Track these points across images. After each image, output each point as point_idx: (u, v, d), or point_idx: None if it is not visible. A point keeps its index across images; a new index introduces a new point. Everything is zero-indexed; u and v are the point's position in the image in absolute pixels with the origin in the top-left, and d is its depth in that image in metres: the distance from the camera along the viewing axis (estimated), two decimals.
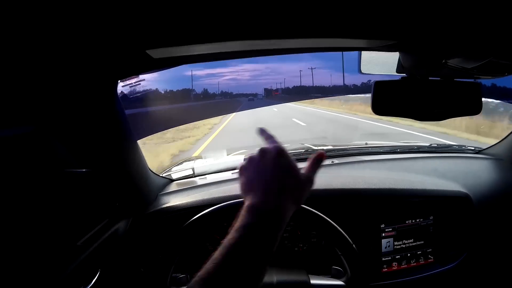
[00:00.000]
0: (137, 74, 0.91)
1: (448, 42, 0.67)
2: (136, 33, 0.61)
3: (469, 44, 0.65)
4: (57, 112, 0.78)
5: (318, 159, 0.74)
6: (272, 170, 0.68)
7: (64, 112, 0.79)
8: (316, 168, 0.73)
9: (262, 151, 0.71)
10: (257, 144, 0.81)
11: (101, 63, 0.75)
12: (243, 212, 0.62)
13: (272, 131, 0.77)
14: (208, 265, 0.55)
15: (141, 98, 1.16)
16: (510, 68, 0.77)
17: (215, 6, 0.51)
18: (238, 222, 0.61)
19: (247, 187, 0.69)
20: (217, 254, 0.56)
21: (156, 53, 0.71)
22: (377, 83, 0.81)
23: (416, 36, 0.68)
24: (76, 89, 0.78)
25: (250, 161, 0.72)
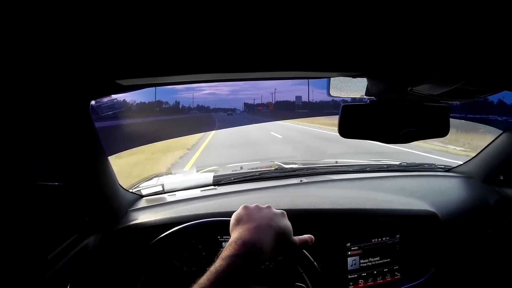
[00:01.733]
0: (108, 95, 0.93)
1: (413, 72, 0.68)
2: (105, 65, 0.65)
3: (434, 73, 0.66)
4: (32, 127, 0.79)
5: (309, 242, 0.86)
6: (269, 219, 0.79)
7: (39, 127, 0.81)
8: (305, 243, 0.84)
9: (269, 206, 0.85)
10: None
11: (75, 85, 0.78)
12: (231, 242, 0.70)
13: None
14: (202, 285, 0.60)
15: (112, 114, 1.18)
16: (478, 92, 0.78)
17: (182, 41, 0.54)
18: (225, 252, 0.68)
19: (243, 218, 0.79)
20: (204, 280, 0.62)
21: (126, 82, 0.75)
22: (345, 106, 0.82)
23: (381, 67, 0.71)
24: (51, 106, 0.80)
25: (256, 206, 0.84)
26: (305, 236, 0.84)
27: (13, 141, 0.81)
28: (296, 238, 0.82)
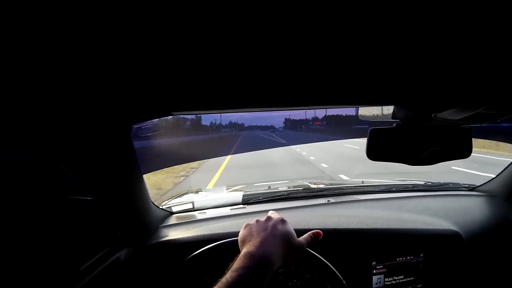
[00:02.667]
0: (152, 119, 0.99)
1: (437, 100, 0.72)
2: (164, 100, 0.73)
3: (457, 100, 0.69)
4: (75, 146, 0.85)
5: (316, 236, 0.91)
6: (271, 229, 0.84)
7: (79, 146, 0.86)
8: (310, 240, 0.90)
9: (268, 217, 0.89)
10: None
11: (124, 111, 0.85)
12: (240, 257, 0.75)
13: None
14: None
15: (151, 135, 1.24)
16: (499, 115, 0.79)
17: (233, 83, 0.61)
18: (235, 264, 0.73)
19: (247, 238, 0.84)
20: None
21: (177, 113, 0.84)
22: (372, 130, 0.86)
23: (408, 97, 0.75)
24: (95, 128, 0.86)
25: (256, 221, 0.89)
26: (308, 234, 0.90)
27: (50, 154, 0.86)
28: (301, 238, 0.87)
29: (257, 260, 0.74)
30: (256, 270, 0.72)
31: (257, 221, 0.89)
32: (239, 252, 0.85)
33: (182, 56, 0.49)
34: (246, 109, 0.84)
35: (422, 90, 0.70)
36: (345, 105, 0.84)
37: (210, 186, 6.48)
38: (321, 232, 0.89)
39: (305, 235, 0.88)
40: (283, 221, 0.88)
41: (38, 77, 0.55)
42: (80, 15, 0.36)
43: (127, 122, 0.93)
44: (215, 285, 0.69)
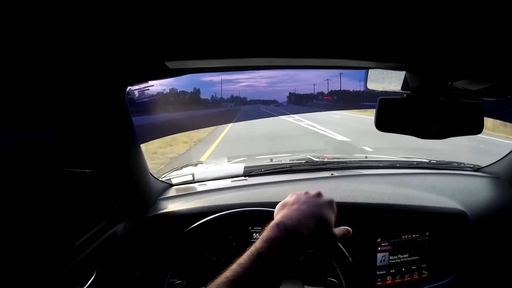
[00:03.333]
0: (149, 80, 0.92)
1: (455, 65, 0.68)
2: (156, 45, 0.64)
3: (475, 67, 0.66)
4: (65, 112, 0.80)
5: (347, 233, 0.83)
6: (317, 209, 0.76)
7: (71, 113, 0.81)
8: (343, 236, 0.81)
9: (318, 193, 0.81)
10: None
11: (115, 69, 0.78)
12: (273, 226, 0.68)
13: None
14: (236, 268, 0.59)
15: (147, 103, 1.18)
16: None
17: (235, 25, 0.55)
18: (267, 233, 0.66)
19: (288, 205, 0.78)
20: (244, 259, 0.61)
21: (173, 64, 0.74)
22: (382, 100, 0.82)
23: (424, 59, 0.70)
24: (86, 92, 0.80)
25: (304, 193, 0.81)
26: (343, 228, 0.82)
27: (41, 121, 0.80)
28: (336, 230, 0.79)
29: (291, 233, 0.67)
30: (287, 244, 0.66)
31: (306, 192, 0.81)
32: (240, 225, 0.81)
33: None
34: (247, 62, 0.78)
35: (440, 52, 0.65)
36: (355, 59, 0.77)
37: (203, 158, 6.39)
38: (350, 231, 0.85)
39: (341, 228, 0.82)
40: (330, 203, 0.81)
41: (20, 36, 0.51)
42: None
43: (121, 83, 0.87)
44: (241, 255, 0.63)
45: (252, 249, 0.63)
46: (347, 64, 0.81)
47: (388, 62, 0.77)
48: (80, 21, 0.48)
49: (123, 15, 0.48)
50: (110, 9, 0.45)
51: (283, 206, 0.78)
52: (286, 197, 0.82)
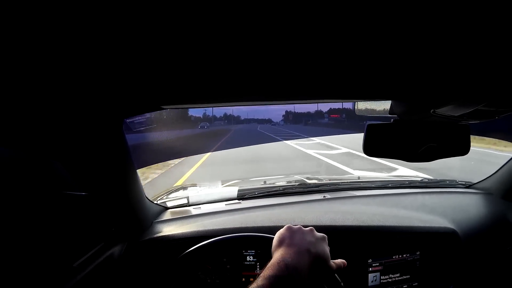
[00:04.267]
0: (144, 113, 0.98)
1: (435, 95, 0.71)
2: (155, 94, 0.72)
3: (456, 96, 0.68)
4: (67, 141, 0.84)
5: (341, 266, 0.88)
6: (313, 246, 0.81)
7: (73, 142, 0.85)
8: (339, 267, 0.87)
9: (311, 229, 0.87)
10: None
11: (116, 106, 0.84)
12: (274, 263, 0.73)
13: None
14: None
15: (143, 129, 1.22)
16: (498, 112, 0.78)
17: (227, 78, 0.61)
18: (268, 271, 0.70)
19: (285, 241, 0.82)
20: None
21: (168, 106, 0.82)
22: (370, 126, 0.84)
23: (406, 92, 0.74)
24: (88, 123, 0.85)
25: (299, 228, 0.87)
26: (340, 260, 0.87)
27: (43, 150, 0.84)
28: (332, 262, 0.84)
29: (291, 271, 0.72)
30: (288, 281, 0.70)
31: (300, 228, 0.87)
32: (234, 249, 0.85)
33: (173, 51, 0.48)
34: (237, 103, 0.83)
35: (420, 85, 0.69)
36: (341, 99, 0.83)
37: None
38: (345, 264, 0.89)
39: (338, 261, 0.87)
40: (324, 238, 0.87)
41: (29, 74, 0.55)
42: (72, 12, 0.35)
43: (119, 116, 0.92)
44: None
45: (253, 286, 0.67)
46: (334, 101, 0.87)
47: (373, 99, 0.83)
48: (88, 63, 0.52)
49: (125, 62, 0.53)
50: (114, 54, 0.49)
51: (281, 242, 0.82)
52: (282, 229, 0.87)
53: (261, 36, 0.43)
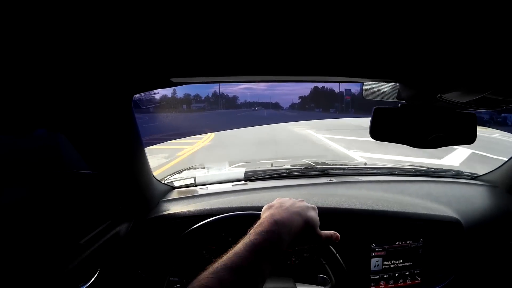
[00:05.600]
0: (152, 89, 0.97)
1: (443, 79, 0.70)
2: (164, 64, 0.70)
3: (463, 81, 0.68)
4: (74, 116, 0.84)
5: (335, 238, 0.88)
6: (301, 209, 0.83)
7: (80, 117, 0.85)
8: (329, 238, 0.87)
9: (302, 200, 0.88)
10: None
11: (124, 80, 0.83)
12: (263, 221, 0.74)
13: None
14: (232, 257, 0.64)
15: (151, 107, 1.22)
16: (504, 102, 0.78)
17: (236, 47, 0.60)
18: (259, 228, 0.72)
19: (274, 205, 0.83)
20: (240, 249, 0.66)
21: (177, 79, 0.81)
22: (376, 109, 0.84)
23: (413, 74, 0.74)
24: (95, 98, 0.84)
25: (289, 199, 0.88)
26: (330, 231, 0.87)
27: (51, 125, 0.85)
28: (322, 232, 0.84)
29: (281, 226, 0.73)
30: (279, 236, 0.71)
31: (290, 198, 0.88)
32: (239, 228, 0.86)
33: (181, 22, 0.48)
34: (247, 78, 0.83)
35: (428, 68, 0.68)
36: (348, 77, 0.82)
37: None
38: (339, 237, 0.89)
39: (329, 231, 0.87)
40: (314, 208, 0.87)
41: (38, 48, 0.55)
42: None
43: (128, 92, 0.92)
44: (234, 246, 0.68)
45: (246, 240, 0.68)
46: (342, 80, 0.86)
47: (379, 78, 0.81)
48: (97, 37, 0.52)
49: (135, 36, 0.53)
50: (125, 29, 0.49)
51: (270, 207, 0.83)
52: (273, 201, 0.87)
53: (272, 9, 0.43)
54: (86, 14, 0.43)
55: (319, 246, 0.98)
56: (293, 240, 0.76)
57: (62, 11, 0.41)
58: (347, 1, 0.41)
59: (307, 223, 0.80)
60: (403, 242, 1.32)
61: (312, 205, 0.87)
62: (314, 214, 0.84)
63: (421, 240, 1.34)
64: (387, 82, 0.89)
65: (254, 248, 0.66)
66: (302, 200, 0.87)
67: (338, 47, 0.60)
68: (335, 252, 0.97)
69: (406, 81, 0.82)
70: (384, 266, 1.30)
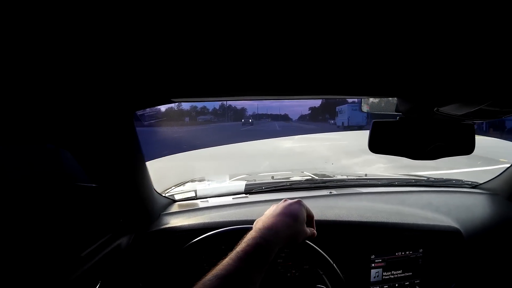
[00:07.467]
0: (154, 106, 1.00)
1: (439, 94, 0.72)
2: (166, 88, 0.74)
3: (459, 95, 0.69)
4: (76, 130, 0.85)
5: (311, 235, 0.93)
6: (283, 207, 0.89)
7: (82, 131, 0.87)
8: (311, 235, 0.93)
9: (285, 199, 0.95)
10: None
11: (126, 98, 0.86)
12: (254, 232, 0.79)
13: None
14: (221, 268, 0.68)
15: (154, 122, 1.24)
16: (502, 112, 0.79)
17: (237, 71, 0.63)
18: (247, 236, 0.77)
19: (261, 217, 0.89)
20: (231, 258, 0.71)
21: (178, 100, 0.86)
22: (375, 122, 0.86)
23: (411, 89, 0.76)
24: (97, 113, 0.86)
25: (273, 206, 0.93)
26: (312, 229, 0.93)
27: (54, 140, 0.86)
28: (308, 228, 0.90)
29: (265, 232, 0.77)
30: (265, 240, 0.75)
31: (277, 205, 0.93)
32: (238, 241, 0.88)
33: (182, 45, 0.49)
34: (246, 97, 0.86)
35: (424, 83, 0.70)
36: (347, 95, 0.85)
37: None
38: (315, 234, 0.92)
39: (312, 229, 0.92)
40: (299, 202, 0.92)
41: (42, 65, 0.56)
42: (83, 6, 0.36)
43: (130, 109, 0.94)
44: (224, 259, 0.71)
45: (237, 249, 0.72)
46: (342, 97, 0.88)
47: (379, 95, 0.84)
48: (99, 56, 0.54)
49: (135, 55, 0.54)
50: (125, 47, 0.51)
51: (258, 220, 0.88)
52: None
53: (271, 31, 0.45)
54: (93, 34, 0.44)
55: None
56: (287, 241, 0.81)
57: (70, 28, 0.42)
58: (346, 24, 0.42)
59: (292, 217, 0.85)
60: (403, 253, 1.32)
61: (296, 200, 0.93)
62: (297, 207, 0.89)
63: (421, 250, 1.34)
64: (385, 97, 0.91)
65: (242, 256, 0.70)
66: (286, 200, 0.93)
67: (339, 68, 0.62)
68: (314, 245, 1.00)
69: (404, 96, 0.84)
70: (384, 277, 1.30)
